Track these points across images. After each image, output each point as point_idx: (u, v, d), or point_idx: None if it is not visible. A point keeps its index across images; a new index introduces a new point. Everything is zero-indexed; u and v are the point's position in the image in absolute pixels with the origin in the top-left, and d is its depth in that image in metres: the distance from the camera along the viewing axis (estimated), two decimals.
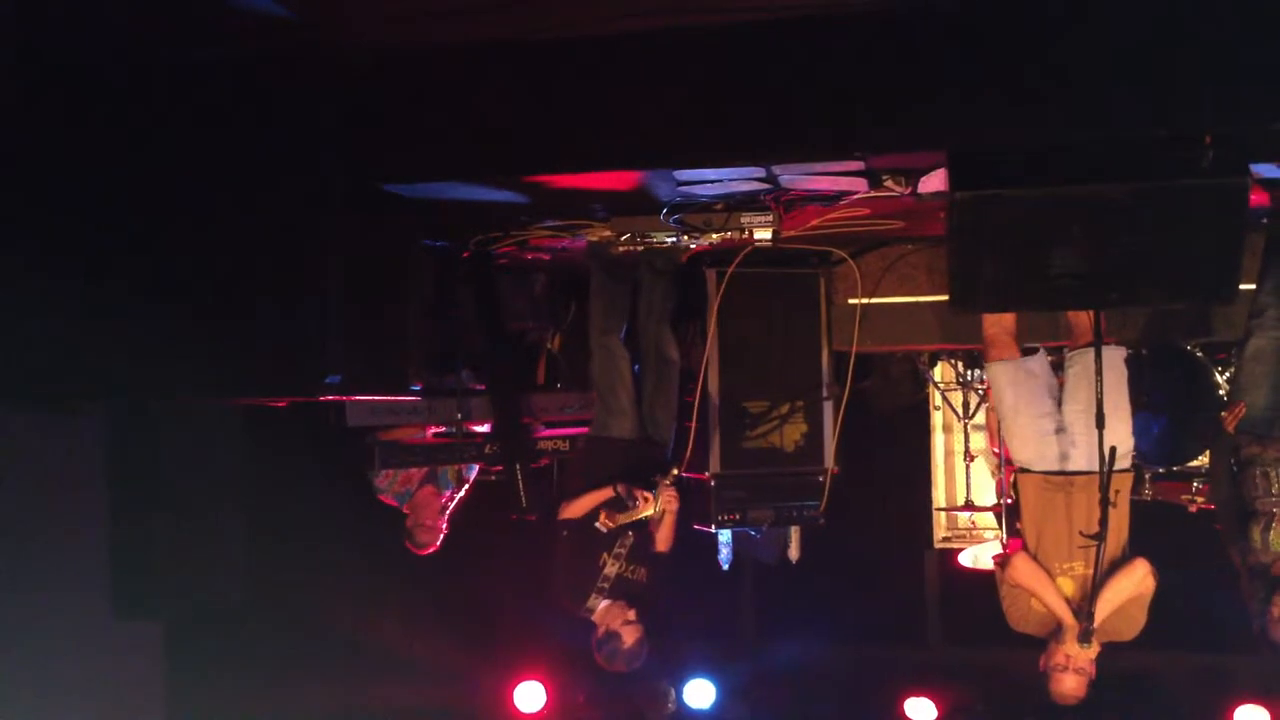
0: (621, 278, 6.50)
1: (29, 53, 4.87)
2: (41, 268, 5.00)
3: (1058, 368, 5.94)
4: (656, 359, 6.57)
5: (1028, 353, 5.93)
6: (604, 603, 6.09)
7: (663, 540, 6.20)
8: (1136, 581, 5.63)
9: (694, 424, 6.32)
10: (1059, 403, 5.80)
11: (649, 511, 6.06)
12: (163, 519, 6.15)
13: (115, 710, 5.97)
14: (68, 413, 5.81)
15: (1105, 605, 5.54)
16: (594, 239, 5.97)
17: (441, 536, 6.62)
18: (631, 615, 6.03)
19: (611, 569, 6.12)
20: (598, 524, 6.02)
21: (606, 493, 6.14)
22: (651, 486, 6.07)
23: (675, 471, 6.08)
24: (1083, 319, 5.71)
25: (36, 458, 5.77)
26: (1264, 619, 5.32)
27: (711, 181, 5.25)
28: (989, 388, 6.80)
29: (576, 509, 6.18)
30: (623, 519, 6.04)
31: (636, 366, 6.60)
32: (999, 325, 5.87)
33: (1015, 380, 5.84)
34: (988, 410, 6.92)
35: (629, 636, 6.01)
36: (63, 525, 5.89)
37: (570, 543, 6.18)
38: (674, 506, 6.11)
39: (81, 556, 5.95)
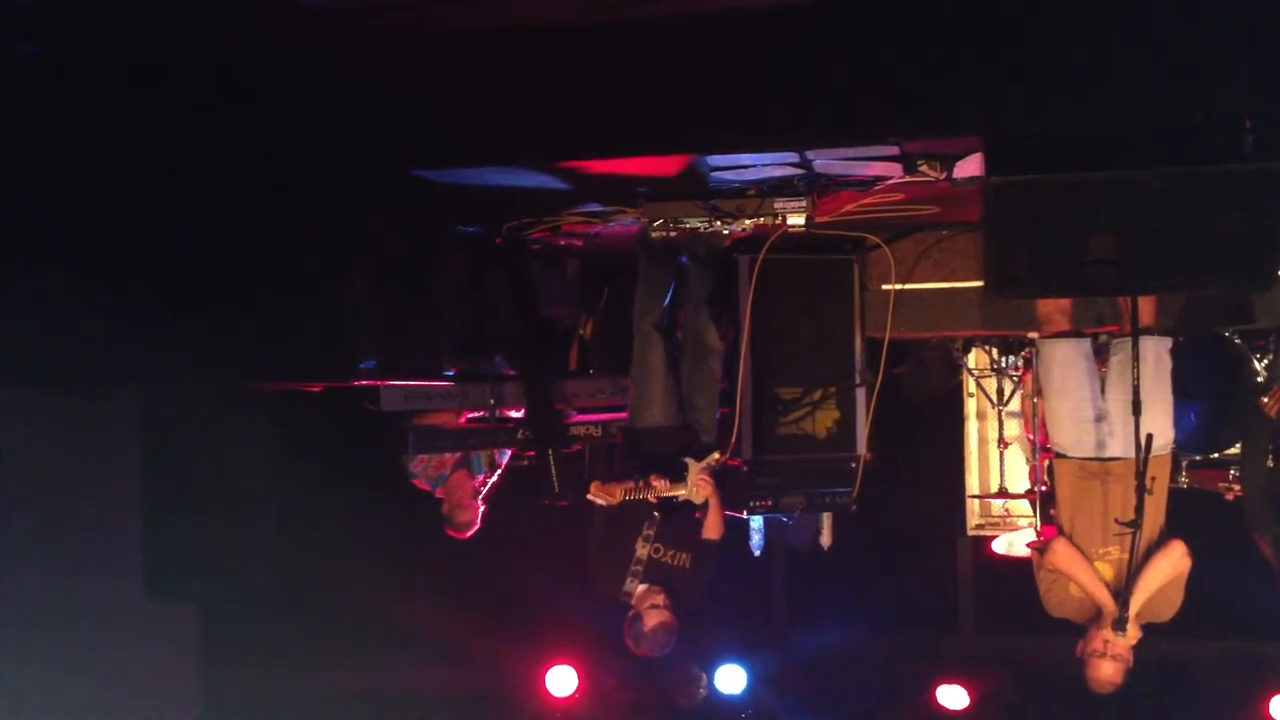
0: (665, 263, 6.38)
1: (66, 48, 4.89)
2: (78, 255, 5.03)
3: (1102, 353, 5.89)
4: (696, 346, 6.48)
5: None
6: (640, 587, 6.07)
7: (710, 528, 6.14)
8: (1173, 563, 5.61)
9: (734, 410, 6.29)
10: (1102, 390, 5.76)
11: (670, 494, 6.03)
12: (197, 504, 6.18)
13: (150, 693, 6.02)
14: (103, 399, 5.84)
15: (1143, 591, 5.52)
16: (645, 224, 5.83)
17: (480, 514, 6.64)
18: (660, 600, 5.99)
19: (643, 551, 6.09)
20: (590, 495, 6.02)
21: (628, 485, 6.10)
22: (680, 471, 6.04)
23: (716, 456, 6.05)
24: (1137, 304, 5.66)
25: (72, 443, 5.81)
26: None
27: (745, 167, 5.22)
28: (1024, 374, 6.76)
29: (601, 499, 6.16)
30: (628, 497, 5.99)
31: (675, 353, 6.52)
32: (1054, 303, 5.83)
33: (1066, 359, 5.80)
34: (1023, 397, 6.88)
35: (650, 620, 5.96)
36: (98, 510, 5.93)
37: (600, 529, 6.18)
38: (707, 491, 6.06)
39: (116, 541, 5.99)
